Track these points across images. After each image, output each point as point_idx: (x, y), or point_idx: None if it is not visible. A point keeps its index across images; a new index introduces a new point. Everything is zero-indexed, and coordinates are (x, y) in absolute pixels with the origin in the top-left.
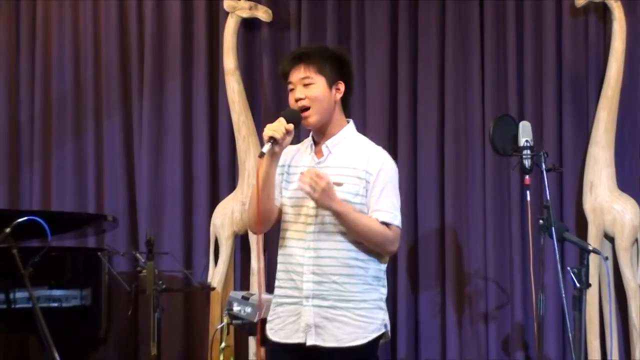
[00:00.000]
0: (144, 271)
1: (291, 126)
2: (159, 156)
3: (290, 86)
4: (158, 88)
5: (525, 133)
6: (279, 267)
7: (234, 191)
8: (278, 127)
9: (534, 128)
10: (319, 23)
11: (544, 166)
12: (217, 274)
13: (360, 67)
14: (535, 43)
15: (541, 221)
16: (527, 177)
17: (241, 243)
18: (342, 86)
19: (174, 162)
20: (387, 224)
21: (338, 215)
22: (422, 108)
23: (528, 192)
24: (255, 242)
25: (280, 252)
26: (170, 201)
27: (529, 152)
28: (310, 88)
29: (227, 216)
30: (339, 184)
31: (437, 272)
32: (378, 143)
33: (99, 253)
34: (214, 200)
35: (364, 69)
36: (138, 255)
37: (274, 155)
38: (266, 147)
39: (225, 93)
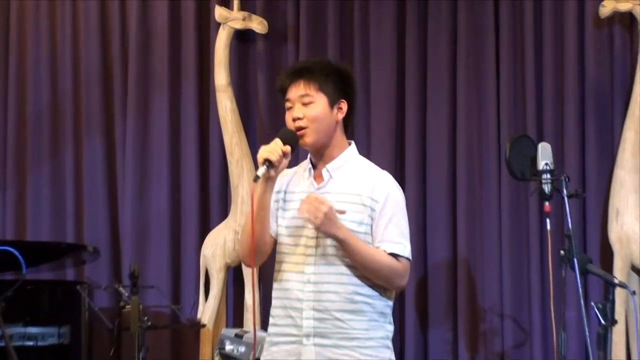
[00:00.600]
0: (128, 306)
1: (288, 148)
2: (144, 180)
3: (288, 104)
4: (143, 105)
5: (544, 155)
6: (275, 302)
7: (226, 219)
8: (273, 148)
9: (555, 150)
10: (319, 35)
11: (565, 192)
12: (207, 310)
13: (364, 83)
14: (555, 57)
15: (562, 252)
16: (546, 203)
17: (234, 276)
18: (344, 105)
19: (160, 187)
20: (395, 256)
21: (342, 242)
22: (431, 128)
23: (548, 220)
24: (250, 275)
25: (275, 285)
26: (156, 230)
27: (548, 176)
28: (310, 107)
29: (219, 246)
30: (342, 212)
31: (448, 307)
32: (383, 166)
33: (78, 287)
34: (204, 229)
35: (368, 85)
36: (121, 289)
37: (269, 180)
38: (261, 171)
39: (216, 111)
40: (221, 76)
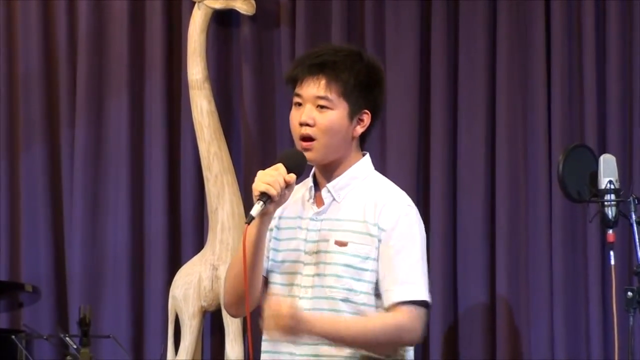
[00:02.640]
0: None
1: (293, 177)
2: (97, 203)
3: (298, 100)
4: (96, 109)
5: (607, 171)
6: (264, 356)
7: (202, 251)
8: (275, 178)
9: (620, 164)
10: (320, 17)
11: (634, 217)
12: None
13: None
14: (622, 49)
15: (630, 293)
16: (610, 231)
17: (211, 323)
18: (367, 118)
19: (118, 211)
20: (402, 303)
21: (325, 338)
22: (464, 140)
23: (612, 252)
24: (232, 323)
25: (265, 337)
26: (113, 265)
27: (613, 196)
28: (325, 114)
29: (192, 286)
30: (343, 244)
31: None
32: (403, 187)
33: (14, 336)
34: (174, 263)
35: None
36: (68, 339)
37: (266, 216)
38: (256, 209)
39: (189, 114)
40: (196, 69)
